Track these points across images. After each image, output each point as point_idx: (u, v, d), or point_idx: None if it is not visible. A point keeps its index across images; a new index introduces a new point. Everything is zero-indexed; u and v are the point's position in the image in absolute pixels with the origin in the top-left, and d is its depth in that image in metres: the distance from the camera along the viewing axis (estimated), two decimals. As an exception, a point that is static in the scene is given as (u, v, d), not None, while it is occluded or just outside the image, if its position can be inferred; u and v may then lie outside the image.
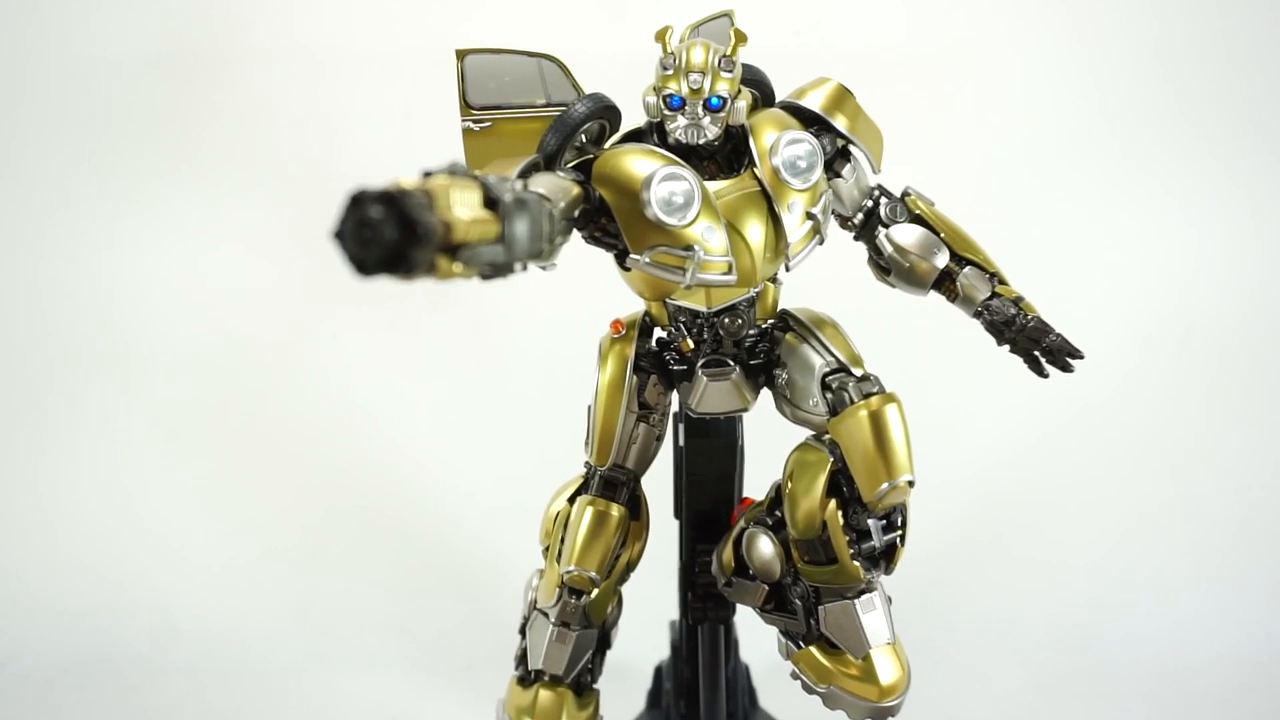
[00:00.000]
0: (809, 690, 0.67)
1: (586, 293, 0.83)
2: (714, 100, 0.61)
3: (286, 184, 1.33)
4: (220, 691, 1.08)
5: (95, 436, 1.33)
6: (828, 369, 0.64)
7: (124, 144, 1.34)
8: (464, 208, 0.37)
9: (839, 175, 0.68)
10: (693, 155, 0.62)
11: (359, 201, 0.33)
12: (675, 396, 0.72)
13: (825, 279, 0.74)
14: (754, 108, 0.65)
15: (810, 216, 0.63)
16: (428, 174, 0.38)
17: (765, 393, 0.70)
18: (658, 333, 0.70)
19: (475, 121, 0.65)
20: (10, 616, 1.20)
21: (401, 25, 1.32)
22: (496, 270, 0.40)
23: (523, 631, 0.77)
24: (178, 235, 1.34)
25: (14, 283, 1.35)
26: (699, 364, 0.67)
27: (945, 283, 0.70)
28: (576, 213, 0.58)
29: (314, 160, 1.33)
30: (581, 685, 0.77)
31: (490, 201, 0.39)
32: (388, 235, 0.32)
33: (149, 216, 1.34)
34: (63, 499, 1.30)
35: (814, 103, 0.66)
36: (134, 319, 1.35)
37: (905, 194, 0.71)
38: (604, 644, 0.78)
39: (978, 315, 0.70)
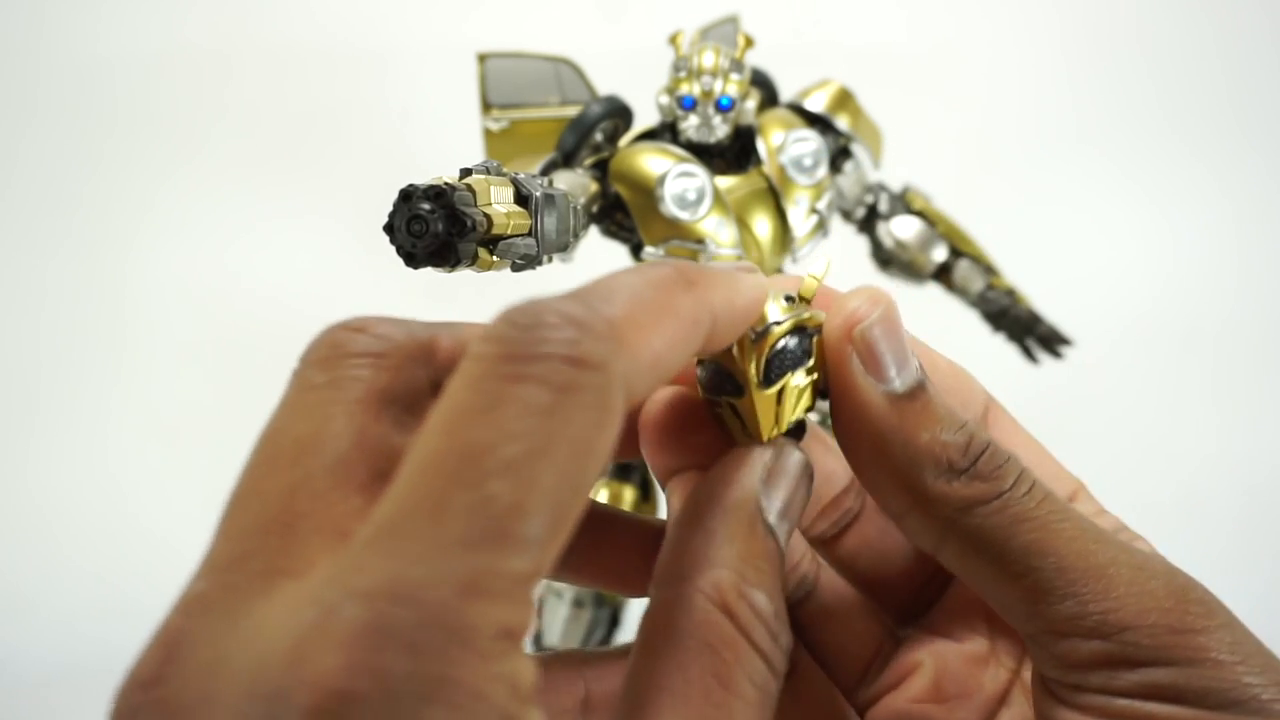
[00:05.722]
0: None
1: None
2: (724, 101, 0.64)
3: (290, 182, 1.35)
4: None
5: (95, 435, 1.33)
6: None
7: (126, 141, 1.35)
8: (500, 203, 0.40)
9: (841, 172, 0.72)
10: (703, 153, 0.66)
11: (409, 197, 0.36)
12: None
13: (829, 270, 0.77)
14: (761, 108, 0.68)
15: (815, 211, 0.66)
16: (466, 171, 0.41)
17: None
18: None
19: (494, 121, 0.68)
20: (7, 618, 1.20)
21: (400, 25, 1.34)
22: (528, 262, 0.43)
23: (538, 611, 0.80)
24: (176, 235, 1.36)
25: (15, 281, 1.36)
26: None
27: (942, 275, 0.74)
28: (595, 208, 0.62)
29: (318, 158, 1.35)
30: (594, 662, 0.80)
31: (521, 197, 0.42)
32: (436, 228, 0.35)
33: (147, 214, 1.36)
34: (61, 498, 1.30)
35: (818, 103, 0.70)
36: (132, 316, 1.36)
37: (905, 190, 0.75)
38: (614, 622, 0.81)
39: (974, 305, 0.73)
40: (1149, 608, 0.25)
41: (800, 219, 0.66)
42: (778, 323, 0.26)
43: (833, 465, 0.31)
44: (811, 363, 0.27)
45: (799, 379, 0.27)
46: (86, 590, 1.22)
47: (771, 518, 0.25)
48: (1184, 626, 0.25)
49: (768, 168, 0.66)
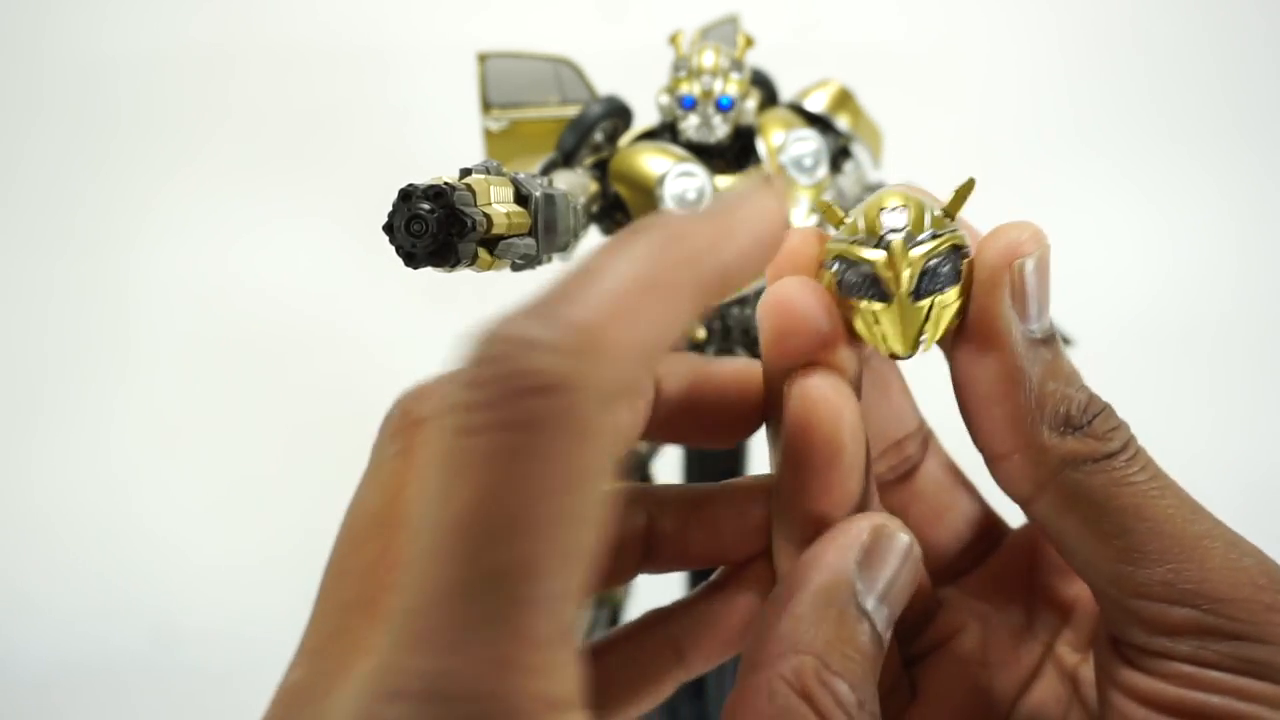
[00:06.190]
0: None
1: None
2: (724, 101, 0.64)
3: (291, 183, 1.35)
4: (223, 693, 1.06)
5: (97, 434, 1.33)
6: None
7: (128, 141, 1.34)
8: (500, 203, 0.40)
9: (841, 172, 0.72)
10: (703, 153, 0.66)
11: (408, 197, 0.36)
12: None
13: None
14: (761, 108, 0.68)
15: (815, 212, 0.66)
16: (466, 171, 0.41)
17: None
18: None
19: (494, 121, 0.68)
20: (8, 617, 1.20)
21: (402, 25, 1.34)
22: (527, 262, 0.43)
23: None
24: (178, 234, 1.35)
25: (18, 280, 1.36)
26: (710, 352, 0.70)
27: (942, 274, 0.74)
28: (595, 208, 0.62)
29: (319, 158, 1.35)
30: (594, 660, 0.80)
31: (521, 197, 0.42)
32: (436, 228, 0.35)
33: (149, 214, 1.35)
34: (63, 498, 1.30)
35: (818, 103, 0.70)
36: (134, 316, 1.35)
37: (904, 190, 0.75)
38: (614, 623, 0.81)
39: None
40: (1243, 582, 0.24)
41: (800, 219, 0.66)
42: (936, 236, 0.26)
43: (903, 406, 0.31)
44: (960, 285, 0.26)
45: (947, 298, 0.26)
46: (87, 590, 1.22)
47: (868, 602, 0.24)
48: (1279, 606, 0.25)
49: (768, 167, 0.66)
